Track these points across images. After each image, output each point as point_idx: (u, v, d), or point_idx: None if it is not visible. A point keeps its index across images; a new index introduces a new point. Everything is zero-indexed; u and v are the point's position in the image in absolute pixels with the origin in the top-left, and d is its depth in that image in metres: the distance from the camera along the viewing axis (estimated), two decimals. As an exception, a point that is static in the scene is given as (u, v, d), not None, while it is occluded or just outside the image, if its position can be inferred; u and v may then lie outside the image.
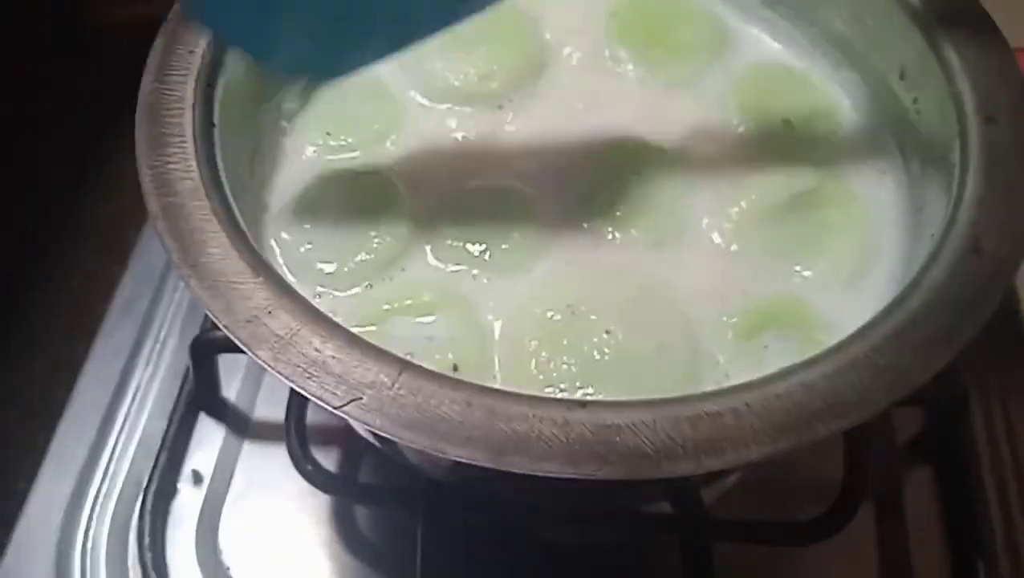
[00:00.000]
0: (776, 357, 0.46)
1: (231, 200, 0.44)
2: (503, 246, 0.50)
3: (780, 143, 0.55)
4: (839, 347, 0.39)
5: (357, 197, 0.52)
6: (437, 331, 0.47)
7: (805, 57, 0.60)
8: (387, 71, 0.59)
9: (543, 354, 0.46)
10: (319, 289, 0.49)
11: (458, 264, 0.50)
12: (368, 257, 0.50)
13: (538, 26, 0.61)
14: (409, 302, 0.48)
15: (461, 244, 0.51)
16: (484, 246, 0.50)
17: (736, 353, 0.47)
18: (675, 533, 0.54)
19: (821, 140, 0.56)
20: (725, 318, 0.48)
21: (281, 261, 0.50)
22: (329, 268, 0.49)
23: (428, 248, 0.51)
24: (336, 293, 0.49)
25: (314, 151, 0.55)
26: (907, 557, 0.59)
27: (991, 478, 0.61)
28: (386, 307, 0.48)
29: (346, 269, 0.49)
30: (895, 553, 0.59)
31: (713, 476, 0.56)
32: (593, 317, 0.47)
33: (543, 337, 0.46)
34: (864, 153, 0.55)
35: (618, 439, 0.36)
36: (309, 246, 0.50)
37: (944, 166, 0.47)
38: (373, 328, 0.47)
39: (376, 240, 0.50)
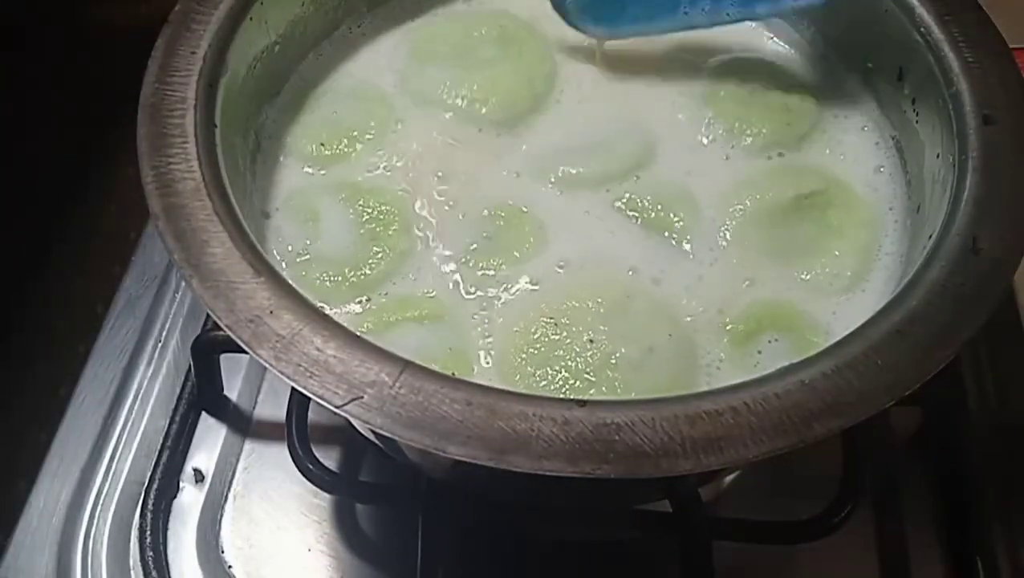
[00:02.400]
0: (771, 360, 0.46)
1: (233, 200, 0.44)
2: (495, 259, 0.51)
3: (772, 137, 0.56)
4: (838, 346, 0.39)
5: (356, 210, 0.52)
6: (429, 344, 0.47)
7: (803, 55, 0.60)
8: (387, 80, 0.59)
9: (528, 369, 0.46)
10: (317, 304, 0.49)
11: (452, 277, 0.50)
12: (367, 272, 0.50)
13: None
14: (401, 316, 0.48)
15: (455, 257, 0.51)
16: (477, 259, 0.51)
17: (731, 357, 0.47)
18: (675, 531, 0.54)
19: (816, 138, 0.56)
20: (720, 321, 0.48)
21: (283, 270, 0.50)
22: (328, 281, 0.49)
23: (423, 261, 0.51)
24: (333, 308, 0.49)
25: (313, 158, 0.55)
26: (906, 556, 0.59)
27: (990, 477, 0.61)
28: (384, 319, 0.48)
29: (346, 285, 0.49)
30: (894, 552, 0.59)
31: (712, 475, 0.56)
32: (579, 328, 0.47)
33: (529, 352, 0.46)
34: (862, 154, 0.55)
35: (617, 438, 0.36)
36: (308, 259, 0.50)
37: (943, 166, 0.47)
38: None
39: (377, 254, 0.50)
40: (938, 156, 0.48)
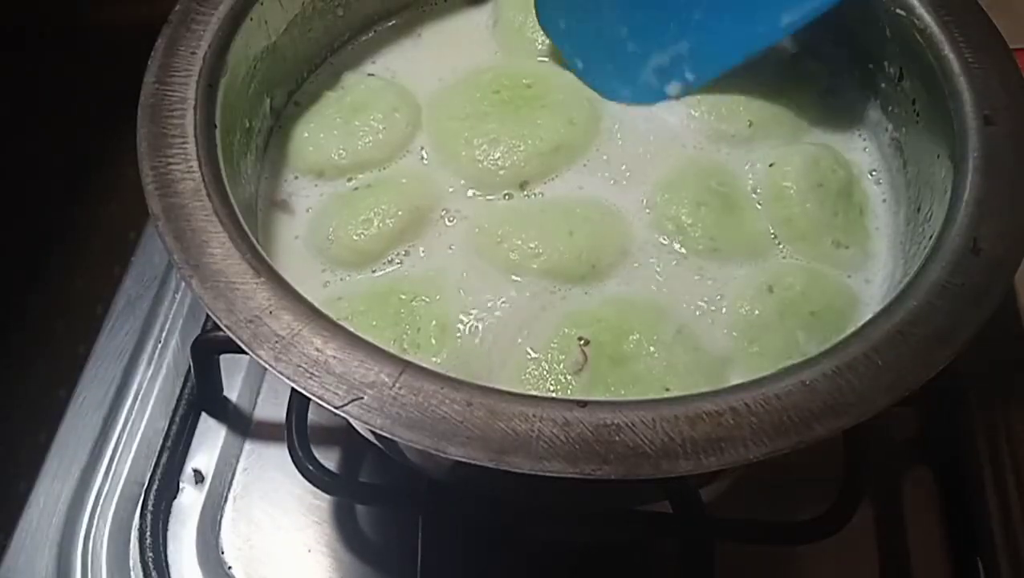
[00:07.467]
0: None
1: (232, 200, 0.44)
2: None
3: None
4: (838, 347, 0.39)
5: (356, 194, 0.52)
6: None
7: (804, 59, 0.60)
8: (391, 75, 0.59)
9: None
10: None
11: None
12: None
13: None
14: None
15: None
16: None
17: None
18: (675, 533, 0.54)
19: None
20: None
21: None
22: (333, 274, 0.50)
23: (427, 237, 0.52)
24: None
25: (313, 149, 0.55)
26: (906, 557, 0.59)
27: (990, 478, 0.61)
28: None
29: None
30: (894, 553, 0.59)
31: (713, 475, 0.56)
32: None
33: None
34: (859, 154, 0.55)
35: (617, 439, 0.36)
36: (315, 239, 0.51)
37: (943, 166, 0.47)
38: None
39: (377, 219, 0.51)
40: (938, 156, 0.48)
